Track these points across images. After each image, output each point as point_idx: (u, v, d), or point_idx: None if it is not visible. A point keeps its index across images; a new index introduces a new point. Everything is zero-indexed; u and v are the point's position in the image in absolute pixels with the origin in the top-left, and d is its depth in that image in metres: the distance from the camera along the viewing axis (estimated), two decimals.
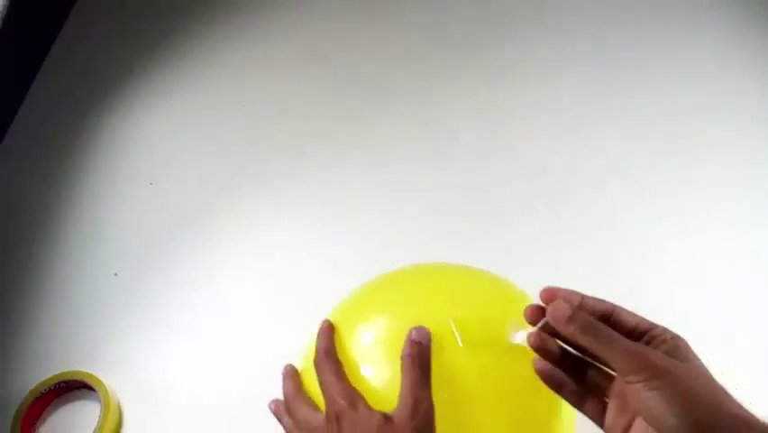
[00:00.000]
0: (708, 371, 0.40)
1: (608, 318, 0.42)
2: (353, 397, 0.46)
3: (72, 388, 0.68)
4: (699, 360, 0.40)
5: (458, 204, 0.79)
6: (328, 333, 0.51)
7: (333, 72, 0.92)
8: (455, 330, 0.47)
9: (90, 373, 0.67)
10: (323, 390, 0.47)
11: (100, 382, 0.66)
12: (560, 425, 0.48)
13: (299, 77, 0.91)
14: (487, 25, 0.95)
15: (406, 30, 0.95)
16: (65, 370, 0.67)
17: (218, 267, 0.76)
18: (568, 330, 0.40)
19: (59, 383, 0.66)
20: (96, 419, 0.64)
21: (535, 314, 0.44)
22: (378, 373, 0.47)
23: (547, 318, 0.42)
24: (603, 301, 0.43)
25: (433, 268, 0.59)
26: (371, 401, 0.45)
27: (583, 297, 0.42)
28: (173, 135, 0.87)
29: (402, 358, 0.46)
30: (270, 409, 0.51)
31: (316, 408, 0.48)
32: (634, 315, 0.42)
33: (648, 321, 0.41)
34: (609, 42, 0.91)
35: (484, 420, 0.47)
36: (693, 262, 0.73)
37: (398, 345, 0.47)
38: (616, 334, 0.40)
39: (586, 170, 0.80)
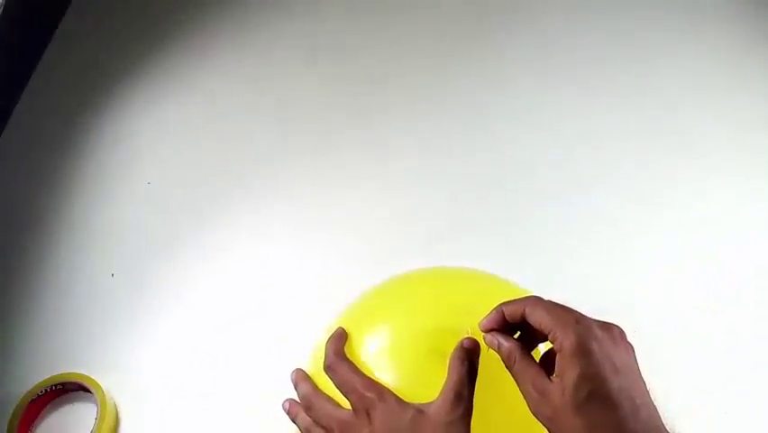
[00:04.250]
0: (598, 378, 0.39)
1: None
2: (381, 390, 0.46)
3: (69, 390, 0.67)
4: (585, 362, 0.39)
5: (459, 205, 0.79)
6: (339, 338, 0.51)
7: (333, 71, 0.91)
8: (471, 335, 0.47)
9: (87, 375, 0.66)
10: (344, 388, 0.47)
11: (97, 384, 0.66)
12: None
13: (299, 75, 0.91)
14: (489, 22, 0.94)
15: (406, 28, 0.94)
16: (62, 372, 0.67)
17: (218, 267, 0.76)
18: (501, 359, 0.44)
19: (56, 385, 0.66)
20: (93, 421, 0.63)
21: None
22: (393, 376, 0.47)
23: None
24: (517, 305, 0.44)
25: (439, 272, 0.59)
26: None
27: (503, 311, 0.44)
28: (172, 134, 0.86)
29: (451, 358, 0.46)
30: (284, 408, 0.52)
31: (339, 404, 0.48)
32: (541, 313, 0.42)
33: (549, 323, 0.41)
34: (611, 40, 0.91)
35: (501, 424, 0.47)
36: (696, 261, 0.73)
37: (411, 350, 0.48)
38: (523, 373, 0.42)
39: (587, 170, 0.81)
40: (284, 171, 0.82)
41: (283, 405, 0.52)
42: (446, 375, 0.45)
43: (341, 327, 0.52)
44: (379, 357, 0.49)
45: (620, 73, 0.88)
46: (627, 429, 0.38)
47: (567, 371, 0.40)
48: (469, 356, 0.46)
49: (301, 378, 0.52)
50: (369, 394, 0.45)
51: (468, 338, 0.47)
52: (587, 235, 0.76)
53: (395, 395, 0.45)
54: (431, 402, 0.45)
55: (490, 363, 0.46)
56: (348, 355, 0.50)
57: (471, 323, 0.47)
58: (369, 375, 0.47)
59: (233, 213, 0.79)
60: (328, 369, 0.49)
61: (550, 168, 0.81)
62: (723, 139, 0.82)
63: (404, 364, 0.48)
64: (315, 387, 0.50)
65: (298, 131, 0.86)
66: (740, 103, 0.84)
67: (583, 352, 0.40)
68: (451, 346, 0.47)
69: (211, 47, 0.94)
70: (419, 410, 0.44)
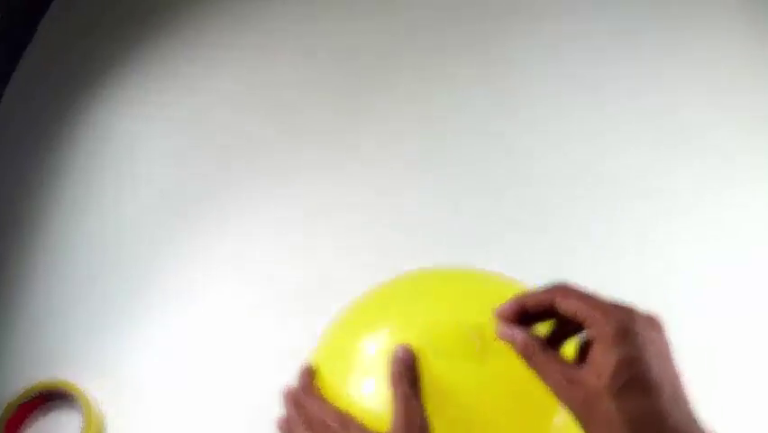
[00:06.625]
0: (640, 361, 0.38)
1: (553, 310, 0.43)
2: (345, 419, 0.46)
3: (53, 398, 0.66)
4: (628, 346, 0.38)
5: (458, 205, 0.78)
6: (305, 375, 0.52)
7: (330, 69, 0.89)
8: (474, 336, 0.47)
9: (72, 382, 0.66)
10: (313, 423, 0.48)
11: (80, 391, 0.65)
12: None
13: (294, 72, 0.89)
14: (490, 21, 0.92)
15: (407, 28, 0.92)
16: (47, 377, 0.66)
17: (208, 272, 0.75)
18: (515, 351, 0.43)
19: (40, 393, 0.65)
20: (78, 429, 0.63)
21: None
22: (368, 401, 0.48)
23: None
24: (544, 294, 0.42)
25: (432, 275, 0.58)
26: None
27: (525, 302, 0.43)
28: (170, 134, 0.85)
29: (389, 377, 0.46)
30: (277, 425, 0.52)
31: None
32: (575, 301, 0.41)
33: (585, 310, 0.40)
34: (615, 40, 0.89)
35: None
36: (698, 260, 0.73)
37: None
38: (545, 363, 0.41)
39: (587, 170, 0.79)
40: (283, 172, 0.81)
41: (276, 422, 0.52)
42: (391, 398, 0.45)
43: (306, 366, 0.53)
44: (364, 372, 0.49)
45: (621, 74, 0.86)
46: (667, 416, 0.37)
47: (606, 355, 0.38)
48: (406, 368, 0.46)
49: (289, 399, 0.52)
50: (333, 424, 0.46)
51: (399, 347, 0.46)
52: (591, 237, 0.75)
53: (358, 423, 0.46)
54: (389, 428, 0.45)
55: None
56: (332, 372, 0.50)
57: (471, 322, 0.47)
58: (333, 405, 0.48)
59: (226, 214, 0.78)
60: (297, 405, 0.50)
61: (556, 170, 0.79)
62: (732, 141, 0.80)
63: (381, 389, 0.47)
64: (299, 413, 0.50)
65: (298, 131, 0.84)
66: (744, 103, 0.82)
67: (626, 335, 0.38)
68: (450, 345, 0.47)
69: (209, 45, 0.92)
70: None
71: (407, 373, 0.45)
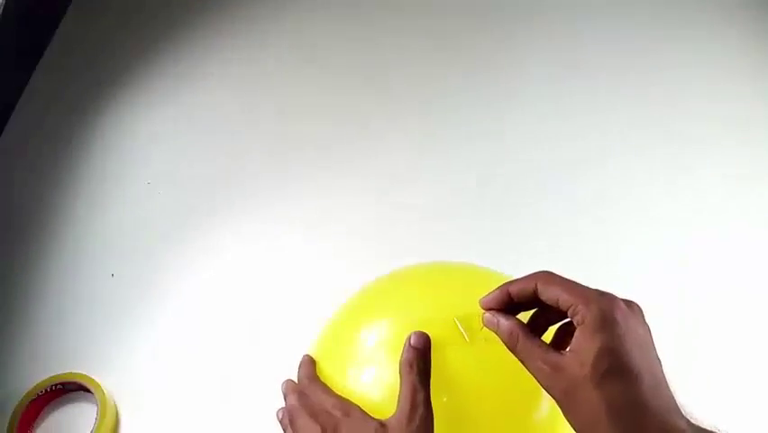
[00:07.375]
0: (621, 344, 0.38)
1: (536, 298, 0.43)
2: (347, 407, 0.47)
3: (69, 390, 0.67)
4: (609, 334, 0.38)
5: (453, 203, 0.79)
6: (307, 364, 0.53)
7: (333, 73, 0.91)
8: (460, 326, 0.47)
9: (87, 374, 0.66)
10: (315, 410, 0.48)
11: (97, 383, 0.66)
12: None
13: (298, 77, 0.91)
14: (490, 28, 0.94)
15: (406, 31, 0.94)
16: (61, 372, 0.67)
17: (217, 268, 0.76)
18: (500, 339, 0.43)
19: (56, 385, 0.66)
20: (93, 421, 0.63)
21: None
22: (368, 390, 0.48)
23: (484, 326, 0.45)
24: (526, 281, 0.43)
25: (425, 268, 0.59)
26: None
27: (509, 290, 0.43)
28: (172, 134, 0.86)
29: (400, 364, 0.46)
30: (278, 416, 0.52)
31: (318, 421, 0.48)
32: (557, 288, 0.41)
33: (567, 297, 0.40)
34: (613, 40, 0.92)
35: (489, 420, 0.47)
36: (694, 262, 0.74)
37: (397, 350, 0.47)
38: (529, 350, 0.41)
39: (584, 167, 0.81)
40: (283, 171, 0.82)
41: (277, 413, 0.53)
42: (399, 383, 0.45)
43: (306, 355, 0.54)
44: (364, 361, 0.50)
45: (623, 75, 0.89)
46: (648, 404, 0.37)
47: (587, 343, 0.38)
48: (417, 357, 0.45)
49: (290, 389, 0.52)
50: (336, 412, 0.46)
51: (414, 333, 0.46)
52: (587, 233, 0.76)
53: (361, 410, 0.46)
54: (392, 415, 0.45)
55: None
56: (333, 362, 0.51)
57: (459, 313, 0.47)
58: (336, 393, 0.48)
59: (232, 212, 0.79)
60: (301, 395, 0.50)
61: (551, 169, 0.81)
62: (734, 146, 0.82)
63: (389, 366, 0.48)
64: (300, 401, 0.51)
65: (297, 131, 0.86)
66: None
67: (607, 323, 0.38)
68: (439, 341, 0.47)
69: (211, 46, 0.94)
70: (381, 424, 0.44)
71: (418, 362, 0.45)
